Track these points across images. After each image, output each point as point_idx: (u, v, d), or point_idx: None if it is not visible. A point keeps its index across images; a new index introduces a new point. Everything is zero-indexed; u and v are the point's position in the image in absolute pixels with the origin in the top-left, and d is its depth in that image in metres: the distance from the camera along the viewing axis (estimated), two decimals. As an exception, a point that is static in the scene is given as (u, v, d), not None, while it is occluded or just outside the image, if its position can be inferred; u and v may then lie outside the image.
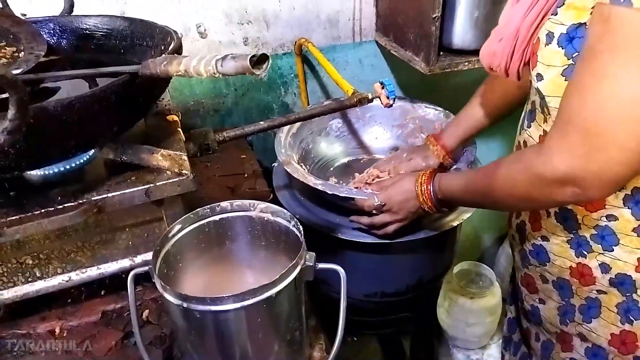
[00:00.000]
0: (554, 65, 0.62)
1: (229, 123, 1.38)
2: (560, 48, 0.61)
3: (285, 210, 0.68)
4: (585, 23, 0.58)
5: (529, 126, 0.74)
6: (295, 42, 1.31)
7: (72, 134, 0.55)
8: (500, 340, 1.54)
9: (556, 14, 0.62)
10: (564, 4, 0.61)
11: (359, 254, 1.04)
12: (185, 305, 0.54)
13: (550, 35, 0.62)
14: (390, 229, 0.92)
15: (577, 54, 0.60)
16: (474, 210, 1.02)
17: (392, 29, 1.27)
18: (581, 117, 0.56)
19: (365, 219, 0.94)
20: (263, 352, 0.60)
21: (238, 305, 0.53)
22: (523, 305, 0.87)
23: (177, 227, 0.64)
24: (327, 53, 1.32)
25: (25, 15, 1.01)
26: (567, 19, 0.60)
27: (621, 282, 0.69)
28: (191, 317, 0.55)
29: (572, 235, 0.72)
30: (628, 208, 0.65)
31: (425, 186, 0.84)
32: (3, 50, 0.79)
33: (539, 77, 0.64)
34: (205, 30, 1.25)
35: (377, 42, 1.38)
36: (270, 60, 0.50)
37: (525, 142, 0.75)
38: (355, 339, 1.64)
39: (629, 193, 0.65)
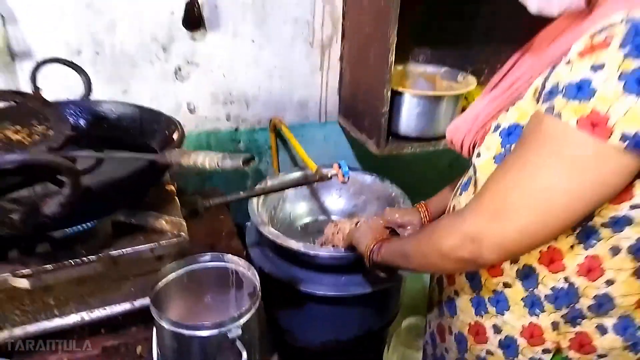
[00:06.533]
0: (491, 150, 0.76)
1: (208, 184, 1.58)
2: (500, 137, 0.74)
3: (248, 263, 0.86)
4: (522, 125, 0.70)
5: (460, 194, 0.88)
6: (271, 119, 1.55)
7: (103, 204, 0.74)
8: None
9: (507, 110, 0.75)
10: (509, 107, 0.75)
11: (317, 305, 1.22)
12: (174, 329, 0.71)
13: (497, 126, 0.76)
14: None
15: (509, 145, 0.72)
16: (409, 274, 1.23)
17: (352, 114, 1.53)
18: (498, 187, 0.66)
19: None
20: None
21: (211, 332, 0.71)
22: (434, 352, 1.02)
23: (170, 272, 0.81)
24: (297, 129, 1.55)
25: (39, 89, 1.19)
26: (512, 118, 0.73)
27: (507, 345, 0.81)
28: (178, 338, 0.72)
29: (474, 294, 0.85)
30: (519, 280, 0.77)
31: (371, 247, 0.97)
32: (35, 128, 0.97)
33: (479, 155, 0.79)
34: (194, 107, 1.47)
35: (339, 123, 1.63)
36: (256, 158, 0.71)
37: (454, 206, 0.90)
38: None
39: (520, 268, 0.77)
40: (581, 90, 0.58)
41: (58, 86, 1.07)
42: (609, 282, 0.72)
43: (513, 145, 0.72)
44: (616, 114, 0.56)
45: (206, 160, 0.72)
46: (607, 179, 0.61)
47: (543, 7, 0.70)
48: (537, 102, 0.67)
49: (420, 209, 1.15)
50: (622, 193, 0.64)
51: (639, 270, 0.71)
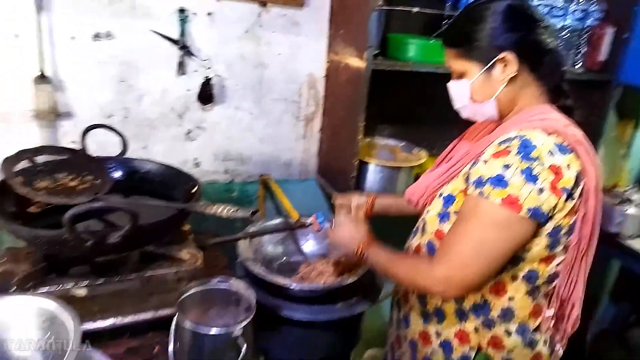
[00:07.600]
0: (436, 209, 1.11)
1: (204, 226, 1.87)
2: (442, 201, 1.09)
3: (246, 285, 1.15)
4: (454, 195, 1.06)
5: (413, 237, 1.21)
6: (261, 175, 1.88)
7: (146, 238, 1.04)
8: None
9: (447, 184, 1.10)
10: (449, 182, 1.10)
11: (293, 328, 1.50)
12: (194, 328, 1.00)
13: (440, 194, 1.11)
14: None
15: (447, 207, 1.07)
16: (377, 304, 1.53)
17: (328, 174, 1.87)
18: (457, 247, 0.97)
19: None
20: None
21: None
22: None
23: (190, 289, 1.10)
24: (282, 183, 1.88)
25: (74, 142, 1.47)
26: (449, 190, 1.08)
27: (445, 345, 1.12)
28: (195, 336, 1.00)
29: (422, 310, 1.16)
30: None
31: (362, 246, 1.16)
32: (86, 178, 1.28)
33: (428, 212, 1.14)
34: (199, 163, 1.80)
35: (316, 180, 1.98)
36: (259, 212, 1.03)
37: (409, 247, 1.21)
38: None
39: None
40: (500, 181, 0.95)
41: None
42: (511, 299, 1.07)
43: (450, 207, 1.07)
44: (523, 196, 0.94)
45: (224, 211, 1.04)
46: (520, 234, 0.98)
47: (470, 116, 1.13)
48: (466, 182, 1.03)
49: (368, 199, 1.42)
50: None
51: (530, 292, 1.07)
